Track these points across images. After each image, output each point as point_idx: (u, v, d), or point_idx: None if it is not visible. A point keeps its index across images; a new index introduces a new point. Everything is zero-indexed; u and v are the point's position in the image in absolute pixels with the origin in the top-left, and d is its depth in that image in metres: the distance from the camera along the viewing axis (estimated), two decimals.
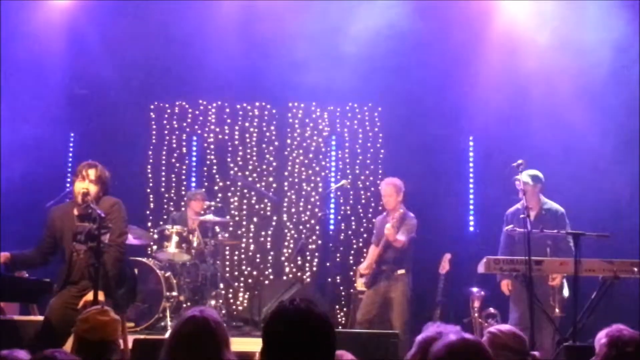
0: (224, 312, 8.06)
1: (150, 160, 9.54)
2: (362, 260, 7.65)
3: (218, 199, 9.12)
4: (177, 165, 9.59)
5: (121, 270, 5.29)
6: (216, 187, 9.44)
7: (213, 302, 7.90)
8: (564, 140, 8.12)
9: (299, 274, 9.23)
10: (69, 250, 5.18)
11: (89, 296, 5.00)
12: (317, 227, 9.20)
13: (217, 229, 8.65)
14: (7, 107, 8.25)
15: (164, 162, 9.56)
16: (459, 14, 8.47)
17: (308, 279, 9.19)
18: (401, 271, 6.98)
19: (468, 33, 8.50)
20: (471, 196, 8.90)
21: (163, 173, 9.54)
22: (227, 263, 9.22)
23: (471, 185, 8.92)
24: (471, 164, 8.98)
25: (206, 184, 9.45)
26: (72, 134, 9.56)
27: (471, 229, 8.84)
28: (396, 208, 6.98)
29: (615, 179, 7.77)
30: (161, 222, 8.88)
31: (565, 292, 6.58)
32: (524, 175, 6.47)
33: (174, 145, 9.61)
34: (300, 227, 9.31)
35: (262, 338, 2.41)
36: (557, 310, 6.55)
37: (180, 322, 3.14)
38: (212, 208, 8.24)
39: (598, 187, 7.83)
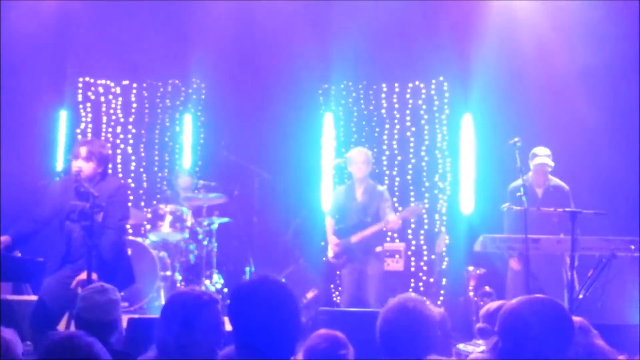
0: (218, 291, 8.02)
1: (143, 139, 9.45)
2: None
3: (212, 179, 9.03)
4: (170, 144, 9.50)
5: (120, 252, 5.29)
6: (210, 166, 9.36)
7: (207, 282, 7.87)
8: (561, 118, 8.07)
9: (294, 253, 9.18)
10: (67, 228, 5.17)
11: (83, 275, 4.98)
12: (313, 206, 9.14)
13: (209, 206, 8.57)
14: None
15: (157, 140, 9.47)
16: None
17: (303, 259, 9.14)
18: (379, 248, 6.92)
19: (465, 10, 8.40)
20: (469, 175, 8.83)
21: (156, 152, 9.45)
22: (222, 242, 9.15)
23: (469, 163, 8.85)
24: (468, 142, 8.90)
25: (200, 162, 9.37)
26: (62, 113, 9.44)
27: (468, 208, 8.78)
28: (366, 178, 6.94)
29: (612, 157, 7.74)
30: (154, 202, 8.81)
31: None
32: (543, 155, 6.56)
33: (167, 124, 9.51)
34: (296, 206, 9.24)
35: (227, 316, 2.43)
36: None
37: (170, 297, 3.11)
38: (206, 186, 8.17)
39: (595, 165, 7.81)
